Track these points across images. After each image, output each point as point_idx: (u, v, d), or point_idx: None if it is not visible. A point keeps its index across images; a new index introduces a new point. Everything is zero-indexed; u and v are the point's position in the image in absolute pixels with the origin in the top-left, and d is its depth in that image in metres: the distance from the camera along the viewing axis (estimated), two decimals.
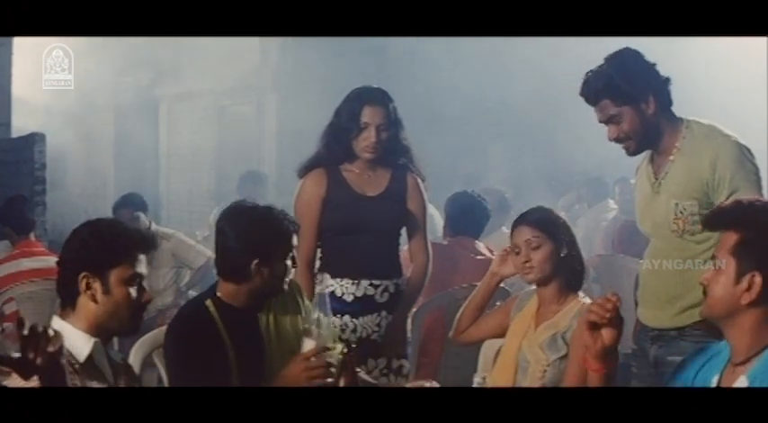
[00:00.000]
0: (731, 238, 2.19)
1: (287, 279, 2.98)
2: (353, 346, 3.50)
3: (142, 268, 2.53)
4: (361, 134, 3.57)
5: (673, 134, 3.10)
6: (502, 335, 3.29)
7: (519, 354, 3.15)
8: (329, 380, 2.69)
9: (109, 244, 2.49)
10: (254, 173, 8.40)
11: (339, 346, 2.76)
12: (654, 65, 3.10)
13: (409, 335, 3.80)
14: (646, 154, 3.25)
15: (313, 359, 2.73)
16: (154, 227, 6.02)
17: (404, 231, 3.81)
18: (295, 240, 2.99)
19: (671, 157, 3.11)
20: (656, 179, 3.15)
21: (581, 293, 3.21)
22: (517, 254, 3.21)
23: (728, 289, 2.17)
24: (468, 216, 4.87)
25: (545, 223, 3.20)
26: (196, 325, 2.92)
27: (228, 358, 2.88)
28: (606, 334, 2.30)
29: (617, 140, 3.13)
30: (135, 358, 3.24)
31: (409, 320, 3.79)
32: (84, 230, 2.54)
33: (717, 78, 8.15)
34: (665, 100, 3.10)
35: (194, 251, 5.86)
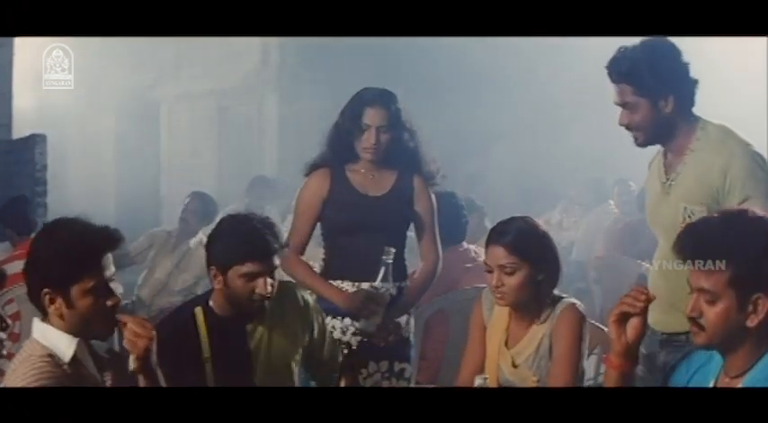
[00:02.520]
0: (720, 269, 2.12)
1: (255, 301, 2.99)
2: (354, 348, 3.52)
3: (106, 273, 2.41)
4: (361, 136, 3.56)
5: (687, 134, 3.04)
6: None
7: (500, 376, 3.01)
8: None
9: (68, 258, 2.36)
10: (263, 178, 8.39)
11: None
12: (686, 64, 3.02)
13: (411, 338, 3.77)
14: (658, 150, 3.20)
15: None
16: (200, 236, 6.02)
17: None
18: (271, 263, 3.01)
19: (683, 158, 3.05)
20: (667, 179, 3.10)
21: (555, 293, 3.05)
22: (489, 272, 2.98)
23: (733, 319, 2.13)
24: (446, 220, 4.36)
25: (522, 246, 2.93)
26: (177, 330, 3.00)
27: (203, 366, 2.96)
28: (631, 329, 2.29)
29: (627, 128, 3.06)
30: None
31: (411, 323, 3.77)
32: (43, 242, 2.44)
33: (717, 78, 8.14)
34: (686, 101, 3.03)
35: None
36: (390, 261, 3.39)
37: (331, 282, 3.59)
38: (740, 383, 2.16)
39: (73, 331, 2.40)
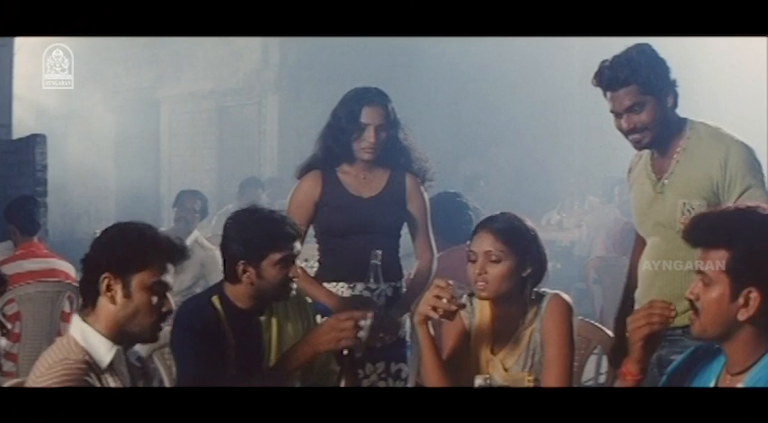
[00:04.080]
0: (720, 255, 2.15)
1: (289, 285, 3.01)
2: (351, 349, 3.52)
3: (168, 278, 2.44)
4: (360, 135, 3.56)
5: (677, 135, 3.08)
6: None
7: (492, 383, 2.83)
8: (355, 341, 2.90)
9: (136, 247, 2.42)
10: (254, 179, 8.40)
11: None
12: (667, 65, 3.06)
13: (408, 338, 3.77)
14: (640, 154, 3.23)
15: (344, 322, 2.89)
16: (196, 234, 6.02)
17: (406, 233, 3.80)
18: (297, 247, 3.02)
19: (675, 158, 3.08)
20: (659, 180, 3.13)
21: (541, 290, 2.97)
22: (473, 262, 2.87)
23: (723, 306, 2.14)
24: (452, 219, 4.50)
25: (511, 235, 2.86)
26: (201, 318, 2.96)
27: (228, 353, 2.94)
28: (655, 341, 2.30)
29: (632, 131, 3.05)
30: None
31: (407, 323, 3.76)
32: (113, 231, 2.49)
33: (717, 78, 8.16)
34: (677, 99, 3.07)
35: (219, 272, 5.87)
36: (379, 263, 3.39)
37: (326, 283, 3.59)
38: (741, 381, 2.17)
39: (119, 324, 2.40)
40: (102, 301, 2.40)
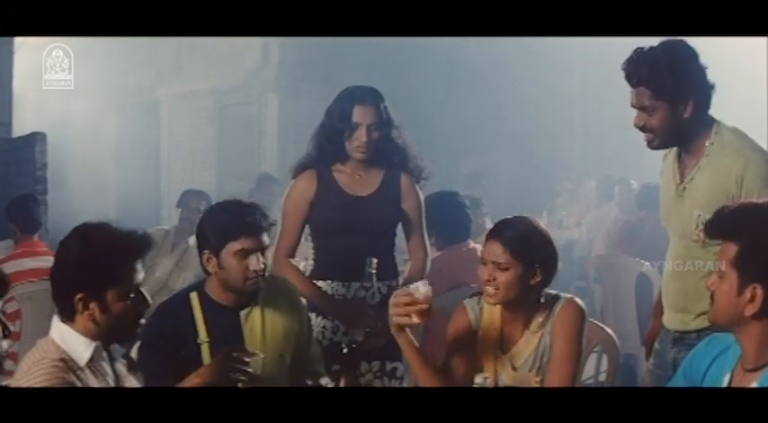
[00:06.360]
0: (731, 248, 2.18)
1: (250, 278, 3.02)
2: (351, 347, 3.52)
3: (139, 277, 2.43)
4: (352, 134, 3.57)
5: (702, 137, 3.01)
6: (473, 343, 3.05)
7: (498, 382, 2.92)
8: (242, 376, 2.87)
9: (103, 262, 2.37)
10: (268, 175, 8.37)
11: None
12: (705, 67, 2.99)
13: None
14: (673, 149, 3.15)
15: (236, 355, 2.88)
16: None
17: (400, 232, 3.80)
18: (263, 239, 3.04)
19: (698, 162, 3.01)
20: (681, 181, 3.07)
21: (552, 292, 3.01)
22: (484, 265, 2.93)
23: (732, 300, 2.17)
24: (451, 219, 4.52)
25: (520, 245, 2.88)
26: (174, 314, 3.04)
27: (200, 351, 2.99)
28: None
29: (642, 129, 3.02)
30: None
31: None
32: (74, 246, 2.41)
33: (717, 78, 8.14)
34: (704, 105, 2.99)
35: None
36: (374, 271, 3.41)
37: (321, 281, 3.60)
38: (755, 380, 2.18)
39: (101, 335, 2.40)
40: (81, 319, 2.39)
